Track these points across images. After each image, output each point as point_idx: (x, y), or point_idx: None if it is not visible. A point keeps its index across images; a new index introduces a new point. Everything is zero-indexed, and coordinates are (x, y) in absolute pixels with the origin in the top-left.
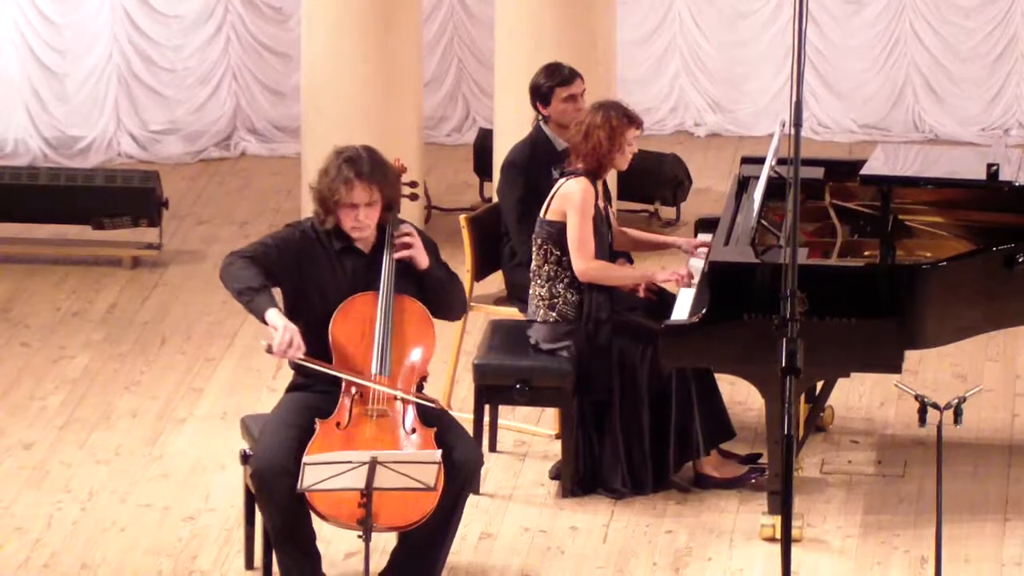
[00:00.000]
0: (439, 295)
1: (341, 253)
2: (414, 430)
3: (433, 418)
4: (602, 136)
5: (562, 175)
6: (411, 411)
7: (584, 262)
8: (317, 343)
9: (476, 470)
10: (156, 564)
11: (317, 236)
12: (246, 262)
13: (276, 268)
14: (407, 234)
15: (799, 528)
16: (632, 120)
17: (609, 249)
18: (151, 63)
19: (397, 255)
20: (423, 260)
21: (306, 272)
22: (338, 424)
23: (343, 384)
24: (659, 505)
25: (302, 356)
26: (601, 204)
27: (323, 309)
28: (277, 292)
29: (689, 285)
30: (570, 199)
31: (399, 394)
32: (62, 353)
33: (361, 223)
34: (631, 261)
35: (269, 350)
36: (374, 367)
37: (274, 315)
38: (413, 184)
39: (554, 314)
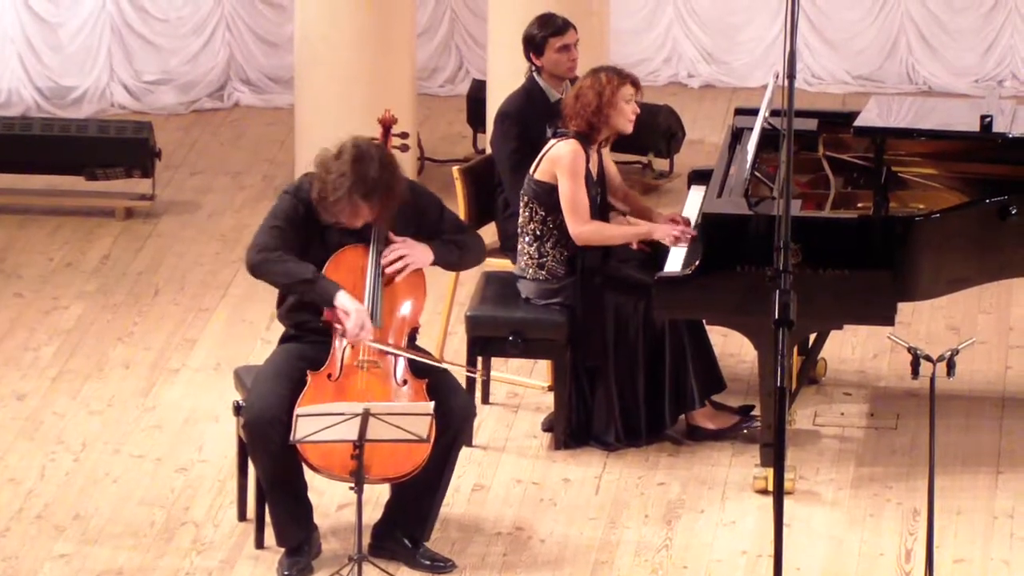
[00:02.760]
0: (455, 264)
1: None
2: (405, 381)
3: (424, 369)
4: (591, 95)
5: (554, 135)
6: (402, 362)
7: (579, 225)
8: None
9: (468, 421)
10: (149, 515)
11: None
12: (280, 254)
13: (295, 244)
14: (397, 252)
15: (792, 480)
16: (624, 77)
17: (600, 209)
18: (144, 13)
19: (389, 270)
20: (424, 260)
21: (309, 237)
22: (329, 375)
23: (334, 335)
24: (651, 457)
25: (371, 339)
26: (593, 168)
27: (320, 265)
28: None
29: (686, 242)
30: (559, 162)
31: (419, 359)
32: (55, 304)
33: (359, 224)
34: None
35: (343, 334)
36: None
37: (345, 298)
38: (403, 135)
39: (543, 272)
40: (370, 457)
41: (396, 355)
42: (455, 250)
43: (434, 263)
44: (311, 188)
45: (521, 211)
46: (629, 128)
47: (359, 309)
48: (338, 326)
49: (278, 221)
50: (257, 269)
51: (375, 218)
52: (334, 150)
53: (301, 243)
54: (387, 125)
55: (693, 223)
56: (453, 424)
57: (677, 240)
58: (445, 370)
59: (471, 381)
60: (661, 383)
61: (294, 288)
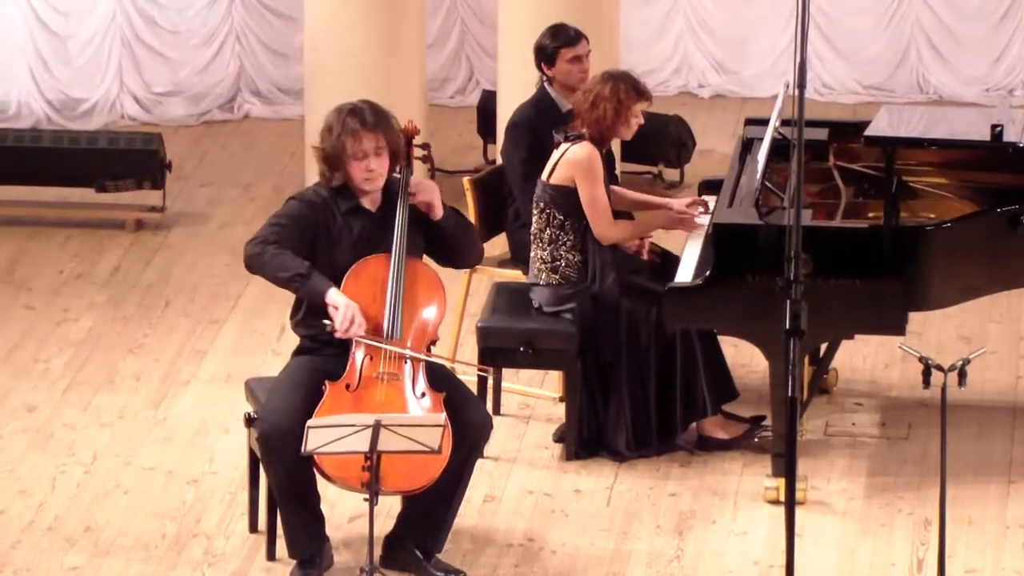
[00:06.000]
0: (455, 241)
1: (348, 214)
2: (424, 394)
3: (443, 382)
4: (608, 108)
5: (565, 139)
6: (421, 374)
7: (604, 226)
8: (323, 310)
9: (485, 434)
10: (160, 527)
11: (323, 202)
12: (277, 248)
13: (296, 246)
14: (428, 187)
15: (803, 490)
16: (641, 94)
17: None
18: (154, 24)
19: (416, 200)
20: (439, 209)
21: (319, 242)
22: (348, 386)
23: (352, 346)
24: (663, 467)
25: (363, 333)
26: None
27: (334, 273)
28: None
29: (705, 209)
30: (578, 165)
31: (428, 359)
32: (66, 316)
33: (373, 172)
34: (632, 218)
35: (333, 330)
36: (386, 329)
37: (335, 294)
38: (425, 146)
39: (556, 276)
40: (386, 469)
41: (410, 357)
42: (460, 219)
43: (442, 220)
44: (315, 192)
45: (535, 218)
46: (630, 137)
47: (348, 304)
48: (327, 322)
49: (281, 219)
50: (253, 260)
51: (389, 143)
52: (321, 136)
53: (305, 241)
54: (409, 136)
55: (704, 231)
56: (469, 437)
57: (688, 227)
58: (462, 383)
59: (483, 387)
60: (672, 390)
61: (288, 282)
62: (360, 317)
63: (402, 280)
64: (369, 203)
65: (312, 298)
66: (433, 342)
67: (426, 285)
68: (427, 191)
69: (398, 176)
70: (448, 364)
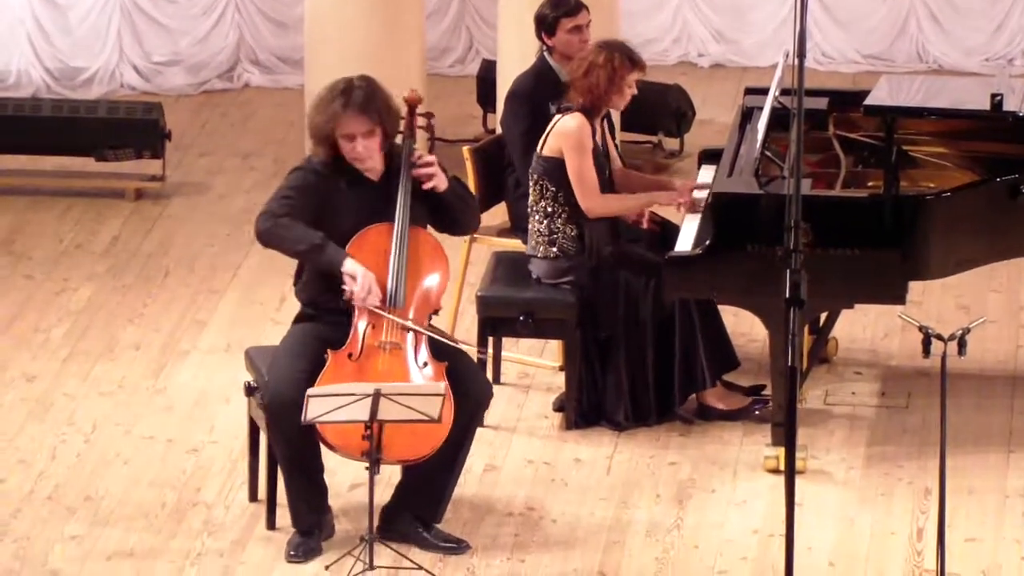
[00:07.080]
0: (456, 211)
1: (350, 184)
2: (426, 363)
3: (445, 351)
4: (601, 76)
5: (559, 111)
6: (423, 344)
7: (589, 199)
8: (333, 278)
9: (485, 403)
10: (160, 496)
11: (326, 172)
12: (290, 220)
13: (306, 216)
14: (428, 162)
15: (803, 460)
16: (635, 63)
17: (608, 183)
18: None
19: (425, 184)
20: (443, 183)
21: (322, 211)
22: (350, 355)
23: (355, 315)
24: (662, 437)
25: (378, 304)
26: (598, 139)
27: (339, 243)
28: None
29: (694, 210)
30: (567, 137)
31: (435, 336)
32: (65, 285)
33: (359, 154)
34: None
35: (350, 298)
36: (389, 298)
37: (351, 264)
38: (428, 115)
39: (555, 249)
40: (389, 438)
41: (413, 330)
42: (463, 195)
43: (447, 191)
44: (322, 161)
45: (531, 190)
46: (623, 107)
47: (365, 273)
48: (344, 290)
49: (288, 191)
50: (266, 235)
51: (381, 124)
52: (312, 108)
53: (313, 212)
54: (412, 104)
55: (703, 201)
56: (469, 406)
57: (680, 205)
58: (464, 353)
59: (484, 362)
60: (671, 362)
61: (305, 254)
62: (376, 287)
63: (405, 249)
64: (372, 173)
65: (329, 268)
66: (435, 312)
67: (429, 254)
68: (431, 176)
69: (400, 145)
70: (447, 341)
